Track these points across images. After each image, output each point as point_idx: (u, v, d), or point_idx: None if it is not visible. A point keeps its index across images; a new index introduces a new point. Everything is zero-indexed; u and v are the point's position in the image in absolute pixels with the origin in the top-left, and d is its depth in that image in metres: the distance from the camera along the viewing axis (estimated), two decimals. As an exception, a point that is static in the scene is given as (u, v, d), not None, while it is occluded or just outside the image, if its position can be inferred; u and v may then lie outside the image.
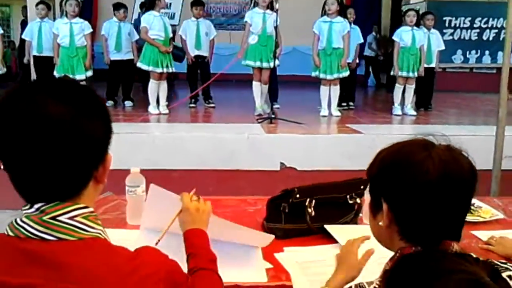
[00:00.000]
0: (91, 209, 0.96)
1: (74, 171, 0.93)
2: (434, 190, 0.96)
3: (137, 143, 4.98)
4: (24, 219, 0.92)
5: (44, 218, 0.91)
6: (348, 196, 1.86)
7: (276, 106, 6.92)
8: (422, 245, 1.00)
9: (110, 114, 0.99)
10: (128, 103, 7.19)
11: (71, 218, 0.92)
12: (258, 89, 6.42)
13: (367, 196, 1.81)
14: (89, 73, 6.52)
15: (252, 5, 6.34)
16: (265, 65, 6.25)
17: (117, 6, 7.35)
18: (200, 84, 7.18)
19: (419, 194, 0.97)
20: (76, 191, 0.95)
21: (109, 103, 7.07)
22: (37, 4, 7.28)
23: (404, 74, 6.63)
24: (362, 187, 1.86)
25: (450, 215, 0.99)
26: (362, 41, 7.53)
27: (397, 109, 6.78)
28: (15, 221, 0.93)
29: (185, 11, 8.15)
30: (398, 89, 6.75)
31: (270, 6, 6.19)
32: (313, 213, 1.77)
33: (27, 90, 0.92)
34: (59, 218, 0.91)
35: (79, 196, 0.95)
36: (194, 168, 4.92)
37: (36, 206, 0.92)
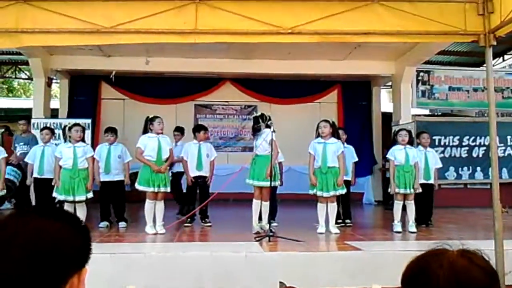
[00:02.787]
0: None
1: (49, 274, 0.95)
2: None
3: (133, 263, 4.86)
4: None
5: None
6: None
7: (274, 224, 6.90)
8: None
9: (90, 236, 1.08)
10: (122, 224, 7.13)
11: None
12: (257, 208, 6.47)
13: None
14: (90, 195, 6.56)
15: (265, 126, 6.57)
16: (263, 184, 6.36)
17: (106, 130, 7.65)
18: (198, 204, 7.20)
19: None
20: None
21: (104, 224, 7.05)
22: (42, 130, 7.56)
23: (402, 191, 6.70)
24: None
25: None
26: (357, 159, 7.70)
27: (397, 226, 6.72)
28: None
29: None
30: (397, 205, 6.77)
31: (267, 126, 6.41)
32: None
33: (24, 211, 1.04)
34: None
35: None
36: (192, 289, 4.76)
37: None
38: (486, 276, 0.99)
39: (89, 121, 9.62)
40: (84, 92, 11.31)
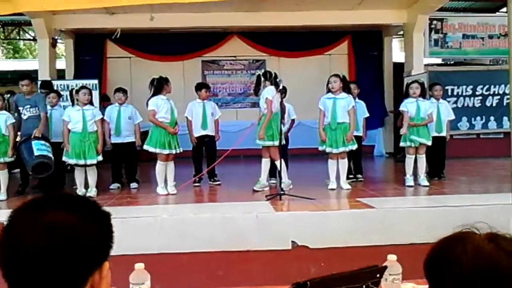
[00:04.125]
0: None
1: (69, 274, 0.91)
2: (470, 286, 0.92)
3: (144, 227, 4.88)
4: None
5: None
6: (364, 286, 1.73)
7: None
8: None
9: (112, 225, 1.02)
10: (133, 185, 7.16)
11: None
12: (267, 166, 6.46)
13: (383, 284, 1.75)
14: (100, 158, 6.53)
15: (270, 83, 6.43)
16: (271, 143, 6.30)
17: (116, 90, 7.55)
18: (205, 162, 7.19)
19: None
20: None
21: (115, 185, 7.08)
22: (48, 93, 7.46)
23: (413, 144, 6.59)
24: (378, 275, 1.74)
25: None
26: (368, 115, 7.58)
27: (409, 180, 6.65)
28: None
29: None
30: (409, 159, 6.68)
31: (275, 83, 6.26)
32: None
33: (35, 203, 0.97)
34: None
35: None
36: (203, 250, 4.79)
37: None
38: None
39: (95, 81, 9.54)
40: (90, 52, 11.20)
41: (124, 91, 7.42)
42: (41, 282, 0.89)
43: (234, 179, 7.70)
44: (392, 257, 1.87)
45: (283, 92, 6.75)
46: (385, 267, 1.75)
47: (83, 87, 6.84)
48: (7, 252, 0.91)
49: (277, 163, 6.27)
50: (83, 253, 0.92)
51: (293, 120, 7.46)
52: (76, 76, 10.54)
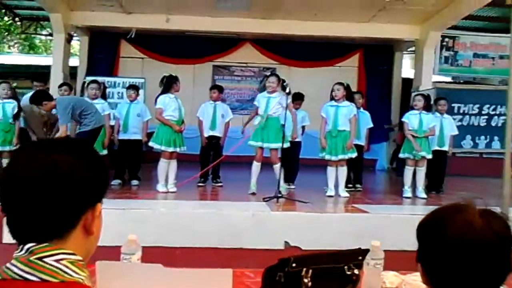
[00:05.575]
0: (79, 258, 0.97)
1: (63, 209, 0.96)
2: (456, 255, 0.98)
3: (141, 219, 4.97)
4: (13, 262, 0.94)
5: (31, 258, 0.92)
6: (346, 267, 1.79)
7: (292, 186, 7.18)
8: None
9: (106, 169, 1.07)
10: (134, 182, 7.22)
11: (57, 260, 0.93)
12: (257, 169, 6.52)
13: (365, 268, 1.80)
14: (105, 152, 6.62)
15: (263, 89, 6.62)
16: (268, 145, 6.39)
17: (128, 87, 7.67)
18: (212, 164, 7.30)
19: (443, 258, 1.00)
20: (63, 231, 0.97)
21: (116, 181, 7.09)
22: (60, 86, 7.60)
23: (412, 156, 6.64)
24: (360, 257, 1.79)
25: (477, 279, 0.99)
26: (372, 125, 7.65)
27: (407, 192, 6.71)
28: (5, 265, 0.95)
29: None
30: (408, 171, 6.73)
31: (283, 88, 6.36)
32: (309, 284, 1.66)
33: (35, 145, 1.02)
34: (45, 259, 0.93)
35: (66, 240, 0.97)
36: (197, 246, 4.87)
37: (26, 246, 0.95)
38: (498, 240, 0.99)
39: (142, 80, 9.86)
40: (104, 50, 11.36)
41: (134, 88, 7.53)
42: (36, 213, 0.94)
43: (237, 182, 7.77)
44: (376, 243, 1.90)
45: (297, 97, 7.11)
46: (367, 250, 1.79)
47: (92, 81, 6.98)
48: (5, 184, 0.96)
49: (276, 166, 6.36)
50: (77, 189, 0.96)
51: (303, 127, 7.54)
52: (88, 74, 10.73)
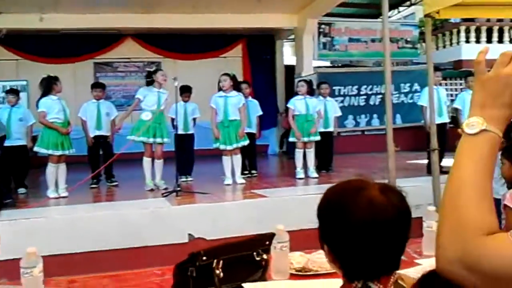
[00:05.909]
0: None
1: None
2: (362, 234, 1.01)
3: (34, 229, 4.72)
4: None
5: None
6: (254, 253, 1.83)
7: (190, 179, 7.22)
8: (362, 280, 1.03)
9: None
10: (21, 190, 6.82)
11: None
12: (149, 165, 6.51)
13: (273, 252, 1.85)
14: None
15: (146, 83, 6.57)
16: (158, 140, 6.41)
17: (7, 92, 7.27)
18: (103, 164, 7.05)
19: (350, 238, 1.02)
20: None
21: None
22: None
23: (303, 139, 6.94)
24: (267, 242, 1.85)
25: (382, 253, 1.03)
26: (261, 113, 7.85)
27: (299, 173, 7.01)
28: None
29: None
30: (298, 153, 7.03)
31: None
32: (221, 275, 1.70)
33: None
34: None
35: None
36: (97, 249, 4.73)
37: None
38: (398, 214, 1.04)
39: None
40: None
41: (14, 92, 7.17)
42: None
43: (130, 180, 7.58)
44: (280, 226, 1.95)
45: (185, 90, 7.21)
46: (273, 234, 1.86)
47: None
48: None
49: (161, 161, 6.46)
50: None
51: (194, 119, 7.53)
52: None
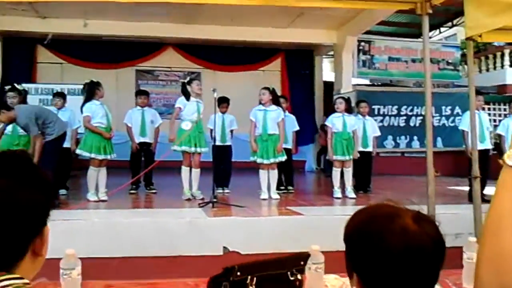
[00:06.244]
0: (26, 281, 0.92)
1: (9, 242, 0.89)
2: (396, 263, 0.98)
3: (74, 230, 4.78)
4: None
5: None
6: (289, 273, 1.81)
7: (226, 190, 7.22)
8: None
9: (51, 187, 0.98)
10: (62, 191, 6.93)
11: (3, 287, 0.88)
12: (187, 174, 6.54)
13: (307, 272, 1.83)
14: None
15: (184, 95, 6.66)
16: (197, 150, 6.46)
17: (54, 95, 7.46)
18: (143, 171, 7.14)
19: (383, 267, 0.99)
20: (11, 262, 0.91)
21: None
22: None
23: (339, 158, 6.87)
24: (302, 262, 1.83)
25: (414, 284, 1.00)
26: (298, 128, 7.82)
27: (337, 192, 6.91)
28: None
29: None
30: (335, 172, 6.94)
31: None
32: None
33: None
34: None
35: (15, 267, 0.92)
36: (134, 255, 4.76)
37: None
38: (433, 244, 1.00)
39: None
40: (19, 56, 10.79)
41: (60, 95, 7.35)
42: None
43: (169, 189, 7.63)
44: (315, 247, 1.93)
45: (223, 101, 7.20)
46: (308, 254, 1.84)
47: (10, 88, 6.66)
48: None
49: (198, 170, 6.49)
50: (24, 220, 0.89)
51: (231, 131, 7.54)
52: (5, 80, 10.14)
